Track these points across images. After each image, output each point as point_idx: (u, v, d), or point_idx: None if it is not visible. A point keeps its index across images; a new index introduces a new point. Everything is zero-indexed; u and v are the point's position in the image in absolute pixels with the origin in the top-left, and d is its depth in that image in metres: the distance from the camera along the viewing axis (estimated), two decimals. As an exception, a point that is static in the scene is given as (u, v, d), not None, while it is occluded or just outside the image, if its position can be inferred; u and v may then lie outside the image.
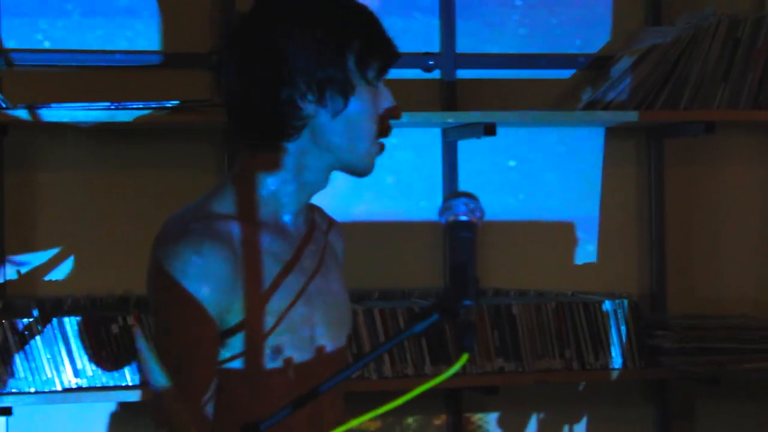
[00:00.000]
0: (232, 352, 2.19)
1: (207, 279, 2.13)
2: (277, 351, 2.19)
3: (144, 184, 3.64)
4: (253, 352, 2.20)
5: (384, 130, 2.21)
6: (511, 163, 3.85)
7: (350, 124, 2.17)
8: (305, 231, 2.29)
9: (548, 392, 3.85)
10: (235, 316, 2.17)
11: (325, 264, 2.31)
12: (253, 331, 2.19)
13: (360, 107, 2.17)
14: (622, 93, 3.69)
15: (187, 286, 2.13)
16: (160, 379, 2.02)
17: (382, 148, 2.22)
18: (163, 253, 2.15)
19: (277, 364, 2.19)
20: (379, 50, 2.17)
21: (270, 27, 2.15)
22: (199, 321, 2.15)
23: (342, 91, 2.13)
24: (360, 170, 2.22)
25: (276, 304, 2.20)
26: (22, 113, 3.29)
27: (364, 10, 2.21)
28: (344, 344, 2.32)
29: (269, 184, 2.20)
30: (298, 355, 2.21)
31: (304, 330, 2.22)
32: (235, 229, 2.17)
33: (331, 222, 2.42)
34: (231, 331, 2.18)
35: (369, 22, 2.19)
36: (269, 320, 2.20)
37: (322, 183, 2.23)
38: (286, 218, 2.23)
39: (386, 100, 2.21)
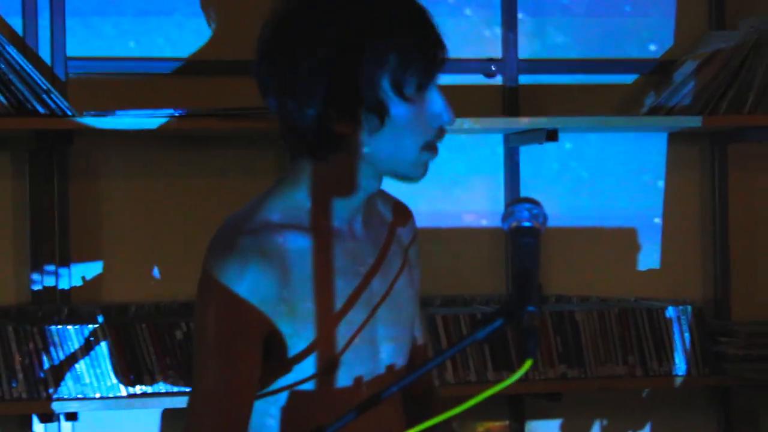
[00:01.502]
0: (301, 374, 2.14)
1: (256, 293, 2.09)
2: (343, 369, 2.15)
3: (207, 190, 3.65)
4: (320, 371, 2.15)
5: (436, 138, 2.13)
6: (573, 169, 3.84)
7: (391, 139, 2.10)
8: (364, 232, 2.23)
9: (611, 399, 3.84)
10: (294, 339, 2.12)
11: (387, 262, 2.26)
12: (319, 349, 2.13)
13: (399, 123, 2.08)
14: (686, 98, 3.67)
15: (236, 296, 2.08)
16: None
17: (434, 153, 2.13)
18: (213, 263, 2.11)
19: (347, 383, 2.16)
20: (415, 66, 2.06)
21: (296, 45, 2.07)
22: (247, 339, 2.10)
23: (376, 112, 2.06)
24: (408, 178, 2.15)
25: (339, 317, 2.16)
26: (88, 121, 3.31)
27: (406, 14, 2.09)
28: (406, 362, 2.26)
29: (318, 190, 2.15)
30: (366, 371, 2.17)
31: (368, 343, 2.17)
32: (288, 237, 2.13)
33: (400, 211, 2.36)
34: (285, 355, 2.13)
35: (409, 30, 2.08)
36: (334, 337, 2.15)
37: (374, 187, 2.18)
38: (340, 222, 2.18)
39: (435, 106, 2.11)
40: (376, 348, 2.19)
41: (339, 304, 2.15)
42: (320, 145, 2.08)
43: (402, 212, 2.35)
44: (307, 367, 2.14)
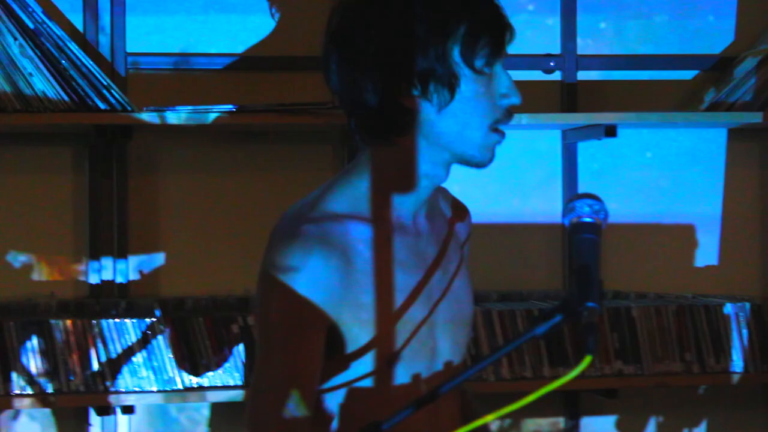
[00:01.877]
0: (346, 371, 2.14)
1: (317, 285, 2.08)
2: (401, 365, 2.14)
3: (264, 185, 3.67)
4: (379, 368, 2.14)
5: (503, 117, 2.12)
6: (631, 165, 3.84)
7: (459, 116, 2.08)
8: (427, 227, 2.22)
9: (668, 396, 3.84)
10: (354, 334, 2.12)
11: (447, 258, 2.25)
12: (378, 345, 2.13)
13: (469, 98, 2.08)
14: (746, 94, 3.66)
15: (297, 292, 2.08)
16: None
17: (501, 135, 2.13)
18: (274, 255, 2.11)
19: (405, 379, 2.14)
20: (486, 37, 2.06)
21: (367, 22, 2.06)
22: (307, 333, 2.10)
23: (447, 84, 2.05)
24: (477, 161, 2.13)
25: (405, 314, 2.15)
26: (147, 116, 3.33)
27: None
28: (465, 351, 2.27)
29: (383, 180, 2.14)
30: (424, 368, 2.16)
31: (427, 339, 2.16)
32: (351, 228, 2.12)
33: (458, 208, 2.35)
34: (344, 350, 2.12)
35: (476, 4, 2.08)
36: (394, 333, 2.14)
37: (440, 177, 2.16)
38: (404, 215, 2.16)
39: (502, 86, 2.10)
40: (434, 345, 2.17)
41: (400, 299, 2.13)
42: (389, 124, 2.08)
43: (460, 208, 2.35)
44: (366, 363, 2.13)
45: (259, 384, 2.13)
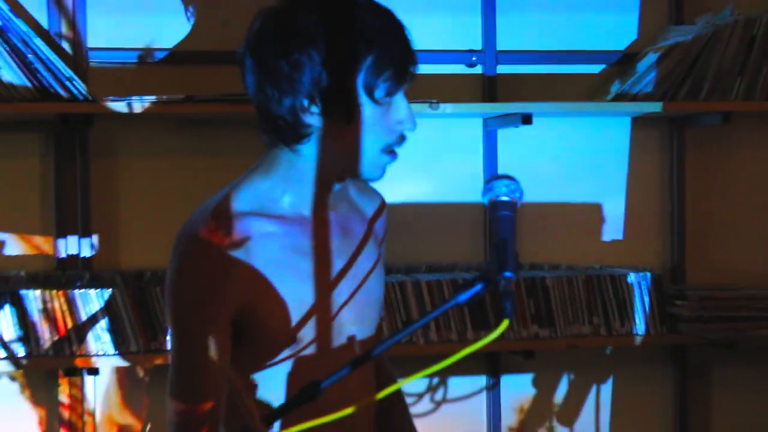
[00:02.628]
0: (248, 351, 2.12)
1: (216, 280, 2.06)
2: (301, 341, 2.11)
3: (212, 168, 3.61)
4: (273, 352, 2.13)
5: (396, 141, 2.09)
6: (546, 150, 3.83)
7: (354, 137, 2.06)
8: (332, 221, 2.18)
9: (578, 356, 3.84)
10: (256, 318, 2.10)
11: (354, 248, 2.22)
12: (277, 325, 2.11)
13: (365, 122, 2.05)
14: (648, 86, 3.67)
15: (200, 282, 2.06)
16: None
17: (393, 157, 2.10)
18: (177, 250, 2.09)
19: (310, 351, 2.12)
20: (390, 70, 2.03)
21: (282, 38, 2.04)
22: (212, 317, 2.07)
23: (346, 108, 2.03)
24: (366, 177, 2.12)
25: (301, 297, 2.12)
26: (106, 105, 3.31)
27: (385, 26, 2.06)
28: (374, 332, 2.24)
29: (286, 179, 2.11)
30: (326, 343, 2.15)
31: (332, 319, 2.14)
32: (253, 225, 2.10)
33: (376, 204, 2.32)
34: (249, 333, 2.11)
35: (385, 40, 2.05)
36: (295, 312, 2.12)
37: (335, 181, 2.14)
38: (305, 210, 2.13)
39: (400, 113, 2.07)
40: (338, 323, 2.16)
41: (300, 284, 2.11)
42: (292, 134, 2.05)
43: (378, 204, 2.32)
44: (272, 343, 2.11)
45: (175, 361, 2.11)
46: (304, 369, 2.10)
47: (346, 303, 2.14)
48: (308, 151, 2.07)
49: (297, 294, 2.10)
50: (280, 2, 2.08)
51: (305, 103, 2.02)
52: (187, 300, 2.07)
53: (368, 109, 2.04)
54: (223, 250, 2.06)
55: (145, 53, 3.63)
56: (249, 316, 2.09)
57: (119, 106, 3.31)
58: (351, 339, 2.17)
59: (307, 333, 2.11)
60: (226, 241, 2.06)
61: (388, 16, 2.06)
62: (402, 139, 2.10)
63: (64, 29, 3.54)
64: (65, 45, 3.53)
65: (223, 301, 2.06)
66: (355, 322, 2.17)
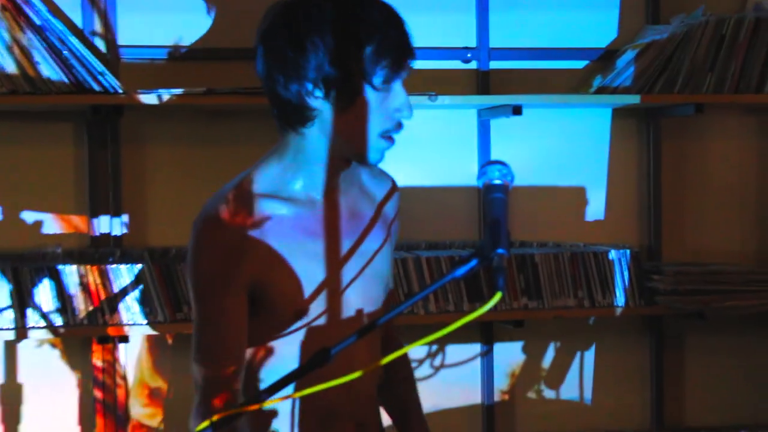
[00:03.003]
0: (264, 320, 2.11)
1: (232, 256, 2.04)
2: (311, 313, 2.10)
3: (231, 154, 3.61)
4: (284, 322, 2.12)
5: (394, 128, 2.07)
6: (535, 138, 3.83)
7: (354, 121, 2.04)
8: (341, 202, 2.16)
9: (564, 325, 3.85)
10: (268, 290, 2.09)
11: (362, 228, 2.19)
12: (289, 298, 2.10)
13: (365, 108, 2.03)
14: (627, 80, 3.69)
15: (215, 257, 2.05)
16: None
17: (390, 143, 2.08)
18: (197, 228, 2.08)
19: (319, 322, 2.11)
20: (388, 59, 2.01)
21: (290, 26, 2.02)
22: (230, 288, 2.06)
23: (347, 93, 2.01)
24: (364, 161, 2.10)
25: (311, 273, 2.10)
26: (136, 97, 3.31)
27: (386, 19, 2.04)
28: (380, 306, 2.20)
29: (295, 163, 2.10)
30: (334, 315, 2.12)
31: (340, 293, 2.11)
32: (266, 206, 2.09)
33: (387, 187, 2.28)
34: (263, 303, 2.10)
35: (385, 32, 2.03)
36: (306, 287, 2.10)
37: (342, 166, 2.11)
38: (316, 194, 2.12)
39: (397, 101, 2.05)
40: (346, 297, 2.14)
41: (309, 262, 2.10)
42: (297, 117, 2.04)
43: (389, 187, 2.29)
44: (282, 314, 2.11)
45: (198, 329, 2.11)
46: (315, 339, 2.08)
47: (353, 280, 2.11)
48: (313, 134, 2.06)
49: (307, 271, 2.09)
50: None
51: (309, 87, 2.01)
52: (207, 274, 2.06)
53: (367, 95, 2.02)
54: (239, 229, 2.05)
55: (174, 50, 3.63)
56: (263, 290, 2.08)
57: (147, 98, 3.31)
58: (358, 312, 2.14)
59: (317, 306, 2.10)
60: (241, 221, 2.06)
61: (389, 10, 2.05)
62: (399, 126, 2.08)
63: (97, 28, 3.53)
64: (98, 42, 3.52)
65: (239, 274, 2.05)
66: (361, 296, 2.14)
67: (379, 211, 2.25)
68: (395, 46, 2.03)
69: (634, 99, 3.63)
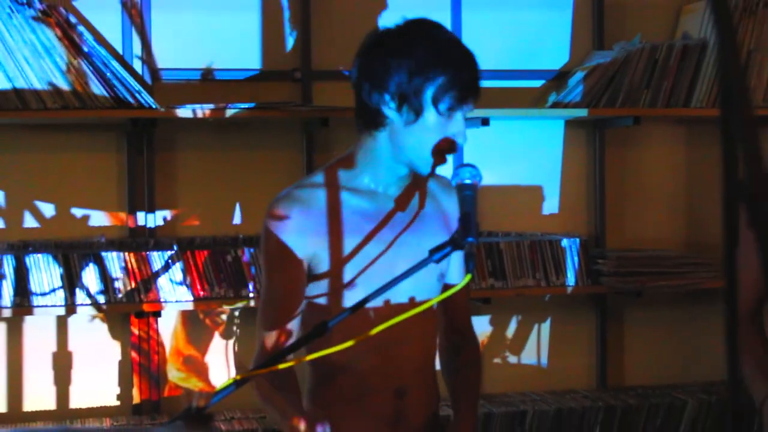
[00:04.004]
0: (317, 291, 2.13)
1: (293, 232, 2.08)
2: (357, 287, 2.09)
3: (245, 160, 3.63)
4: (334, 293, 2.12)
5: (446, 149, 2.07)
6: (500, 144, 3.82)
7: (415, 135, 2.05)
8: (400, 197, 2.16)
9: (524, 302, 3.86)
10: (323, 265, 2.11)
11: (418, 223, 2.17)
12: (336, 277, 2.11)
13: (426, 126, 2.04)
14: (576, 96, 3.70)
15: (279, 236, 2.09)
16: None
17: (442, 161, 2.09)
18: (267, 212, 2.12)
19: (359, 298, 2.04)
20: (454, 92, 2.02)
21: (383, 48, 2.07)
22: (287, 264, 2.09)
23: (415, 110, 2.03)
24: (418, 170, 2.10)
25: (358, 256, 2.10)
26: (167, 111, 3.32)
27: (463, 61, 2.07)
28: (431, 297, 2.11)
29: (364, 161, 2.12)
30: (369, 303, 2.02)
31: (384, 274, 2.02)
32: (330, 195, 2.11)
33: (443, 183, 2.25)
34: (318, 277, 2.12)
35: (459, 70, 2.04)
36: (350, 269, 2.10)
37: (402, 170, 2.12)
38: (380, 188, 2.13)
39: (455, 128, 2.06)
40: (400, 286, 1.97)
41: (355, 242, 2.11)
42: (371, 120, 2.08)
43: (447, 197, 2.24)
44: (324, 287, 2.12)
45: (261, 297, 2.16)
46: (361, 313, 1.97)
47: (404, 274, 1.86)
48: (382, 138, 2.08)
49: (358, 250, 2.10)
50: (384, 32, 2.10)
51: (387, 98, 2.04)
52: (272, 251, 2.10)
53: (431, 116, 2.03)
54: (303, 212, 2.08)
55: (205, 71, 3.61)
56: (319, 263, 2.10)
57: (180, 112, 3.31)
58: (411, 299, 2.12)
59: (363, 281, 2.09)
60: (307, 206, 2.09)
61: (468, 54, 2.07)
62: (454, 147, 2.08)
63: (135, 52, 3.53)
64: (136, 65, 3.52)
65: (299, 249, 2.08)
66: (413, 284, 2.04)
67: (444, 218, 2.23)
68: (465, 84, 2.04)
69: (582, 112, 3.65)
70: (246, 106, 3.38)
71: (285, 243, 2.09)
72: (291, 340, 2.09)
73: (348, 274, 2.11)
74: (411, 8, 3.58)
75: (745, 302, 2.41)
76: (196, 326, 3.63)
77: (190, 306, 3.40)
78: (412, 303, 2.11)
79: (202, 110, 3.34)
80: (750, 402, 2.68)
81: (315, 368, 2.18)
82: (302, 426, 1.86)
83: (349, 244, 2.11)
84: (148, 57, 3.56)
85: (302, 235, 2.09)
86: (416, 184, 2.18)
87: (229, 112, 3.36)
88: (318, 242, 2.10)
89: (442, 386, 2.32)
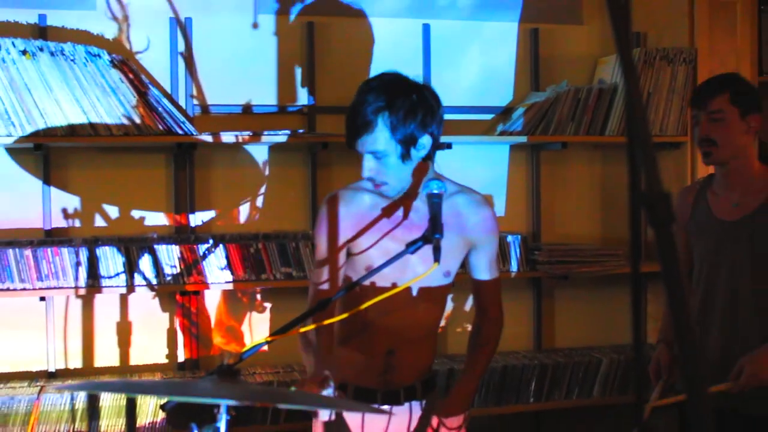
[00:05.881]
0: (350, 267, 2.11)
1: (336, 225, 2.07)
2: (374, 271, 2.00)
3: (263, 173, 3.61)
4: (354, 273, 2.12)
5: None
6: (459, 164, 3.80)
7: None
8: (414, 207, 2.10)
9: None
10: (359, 248, 2.09)
11: (413, 227, 2.10)
12: (364, 258, 2.08)
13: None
14: (518, 126, 3.70)
15: (324, 223, 2.09)
16: None
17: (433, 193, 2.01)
18: (321, 207, 2.13)
19: (377, 281, 2.07)
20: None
21: (430, 101, 2.07)
22: (329, 247, 2.07)
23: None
24: (422, 191, 2.10)
25: (383, 246, 2.07)
26: (203, 137, 3.32)
27: (349, 114, 2.05)
28: (440, 285, 2.13)
29: (395, 177, 2.06)
30: (394, 278, 2.07)
31: (400, 262, 1.96)
32: (364, 198, 2.10)
33: (479, 215, 2.19)
34: (351, 255, 2.10)
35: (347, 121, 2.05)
36: (375, 253, 2.08)
37: (419, 186, 2.10)
38: (396, 195, 2.08)
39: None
40: (405, 266, 2.06)
41: (384, 240, 2.08)
42: (409, 152, 2.04)
43: (476, 215, 2.19)
44: (355, 268, 2.12)
45: (314, 264, 2.15)
46: (378, 289, 2.02)
47: (386, 263, 1.84)
48: (414, 165, 2.05)
49: (381, 244, 2.07)
50: (415, 94, 2.04)
51: (426, 137, 2.05)
52: (321, 234, 2.09)
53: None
54: (342, 210, 2.08)
55: (245, 106, 3.57)
56: (351, 248, 2.09)
57: (210, 138, 3.31)
58: (394, 284, 2.06)
59: (380, 268, 1.96)
60: (346, 205, 2.09)
61: (354, 105, 2.04)
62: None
63: (180, 90, 3.51)
64: (180, 100, 3.50)
65: (339, 235, 2.08)
66: (421, 268, 2.06)
67: (462, 227, 2.16)
68: (349, 133, 2.05)
69: (523, 139, 3.64)
70: (260, 133, 3.38)
71: (333, 229, 2.08)
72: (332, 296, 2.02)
73: (368, 259, 2.08)
74: (388, 61, 3.64)
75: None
76: (239, 303, 3.60)
77: (224, 287, 3.37)
78: (393, 286, 2.06)
79: (231, 137, 3.35)
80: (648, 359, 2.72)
81: (343, 328, 2.16)
82: (314, 386, 1.86)
83: (373, 238, 2.08)
84: (199, 94, 3.56)
85: (343, 225, 2.08)
86: (437, 200, 2.05)
87: (253, 138, 3.37)
88: (352, 232, 2.09)
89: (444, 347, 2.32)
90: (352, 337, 2.16)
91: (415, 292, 2.12)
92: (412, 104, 2.02)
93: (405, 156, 2.03)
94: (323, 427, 2.18)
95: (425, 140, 2.05)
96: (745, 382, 2.35)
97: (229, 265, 3.36)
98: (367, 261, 2.09)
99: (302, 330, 1.82)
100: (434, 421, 2.21)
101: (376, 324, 2.12)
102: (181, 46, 3.49)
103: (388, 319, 2.12)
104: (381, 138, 2.01)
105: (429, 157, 2.10)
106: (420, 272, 2.09)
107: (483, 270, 2.25)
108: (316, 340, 2.03)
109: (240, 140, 3.34)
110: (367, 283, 2.04)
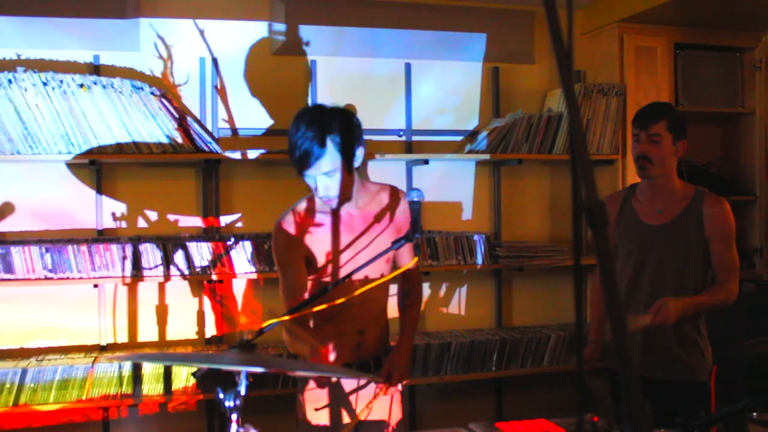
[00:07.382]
0: (314, 274, 2.05)
1: (291, 241, 2.01)
2: (325, 272, 2.01)
3: (279, 186, 3.58)
4: (319, 274, 2.07)
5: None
6: (435, 176, 3.80)
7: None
8: (357, 213, 2.07)
9: (450, 274, 3.83)
10: (313, 260, 2.04)
11: (370, 227, 2.07)
12: (322, 262, 2.06)
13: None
14: (483, 146, 3.68)
15: (279, 238, 2.03)
16: None
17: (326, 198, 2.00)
18: (275, 226, 2.07)
19: (327, 278, 2.04)
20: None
21: (354, 128, 1.97)
22: (287, 254, 2.01)
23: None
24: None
25: (335, 250, 2.05)
26: (227, 154, 3.29)
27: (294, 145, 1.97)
28: (378, 276, 2.04)
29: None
30: (355, 276, 2.03)
31: (350, 264, 2.01)
32: (311, 213, 2.05)
33: (392, 194, 2.12)
34: (313, 264, 2.03)
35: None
36: (322, 258, 2.05)
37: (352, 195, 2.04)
38: (338, 208, 2.04)
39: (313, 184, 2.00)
40: (356, 267, 1.96)
41: (331, 246, 2.05)
42: (351, 165, 1.99)
43: (390, 196, 2.15)
44: (322, 270, 2.07)
45: (280, 281, 2.08)
46: (339, 286, 1.85)
47: (372, 260, 1.83)
48: (352, 174, 1.98)
49: (326, 249, 2.03)
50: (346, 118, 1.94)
51: (360, 149, 1.96)
52: (279, 251, 2.03)
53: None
54: (296, 226, 2.03)
55: (248, 130, 3.54)
56: (311, 257, 2.05)
57: (233, 155, 3.28)
58: (366, 276, 2.03)
59: (328, 269, 2.02)
60: (298, 221, 2.04)
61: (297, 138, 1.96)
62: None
63: (208, 115, 3.49)
64: (208, 123, 3.49)
65: (296, 249, 2.02)
66: (370, 268, 2.01)
67: (383, 211, 2.10)
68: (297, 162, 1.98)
69: (486, 156, 3.62)
70: (274, 151, 3.37)
71: (290, 245, 2.01)
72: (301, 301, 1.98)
73: (327, 263, 2.05)
74: (377, 92, 3.61)
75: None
76: (261, 290, 3.56)
77: (244, 276, 3.32)
78: (366, 279, 2.04)
79: (250, 153, 3.33)
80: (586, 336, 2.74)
81: (315, 317, 2.15)
82: (323, 350, 1.86)
83: (323, 246, 2.03)
84: (229, 119, 3.53)
85: (299, 240, 2.02)
86: (365, 200, 2.06)
87: (252, 155, 3.32)
88: (306, 245, 2.03)
89: (394, 329, 2.28)
90: (330, 320, 2.11)
91: (361, 284, 2.07)
92: (348, 124, 1.96)
93: (349, 169, 1.98)
94: (305, 398, 2.14)
95: (360, 152, 2.00)
96: (660, 318, 2.34)
97: (249, 259, 3.35)
98: (339, 263, 2.04)
99: (282, 320, 1.76)
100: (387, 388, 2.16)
101: (350, 310, 2.07)
102: (210, 81, 3.49)
103: (359, 305, 2.07)
104: (332, 158, 1.95)
105: (360, 167, 2.03)
106: (377, 267, 2.04)
107: (407, 257, 2.16)
108: (301, 329, 1.99)
109: (244, 155, 3.30)
110: (322, 278, 2.02)
